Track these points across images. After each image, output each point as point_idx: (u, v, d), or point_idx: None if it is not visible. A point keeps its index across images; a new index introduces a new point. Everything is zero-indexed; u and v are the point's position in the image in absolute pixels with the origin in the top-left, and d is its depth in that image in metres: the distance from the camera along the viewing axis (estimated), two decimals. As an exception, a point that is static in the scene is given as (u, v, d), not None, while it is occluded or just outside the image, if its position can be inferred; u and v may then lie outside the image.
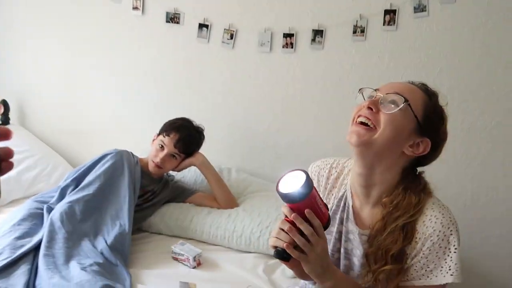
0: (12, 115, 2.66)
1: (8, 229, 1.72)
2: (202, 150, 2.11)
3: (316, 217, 0.95)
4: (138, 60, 2.43)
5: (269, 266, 1.79)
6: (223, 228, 1.92)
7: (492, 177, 1.93)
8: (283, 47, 2.12)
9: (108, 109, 2.55)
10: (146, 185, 2.01)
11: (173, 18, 2.28)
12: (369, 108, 1.02)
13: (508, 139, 1.88)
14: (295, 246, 0.94)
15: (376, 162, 1.04)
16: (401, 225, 1.02)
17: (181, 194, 2.10)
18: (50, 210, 1.84)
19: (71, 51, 2.54)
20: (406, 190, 1.04)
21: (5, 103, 2.54)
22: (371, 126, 1.02)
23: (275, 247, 0.96)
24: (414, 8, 1.88)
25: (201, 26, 2.24)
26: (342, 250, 1.16)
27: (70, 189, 1.93)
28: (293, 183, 0.93)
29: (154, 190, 2.04)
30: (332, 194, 1.20)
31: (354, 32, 1.99)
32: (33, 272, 1.54)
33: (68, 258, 1.61)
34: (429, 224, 1.02)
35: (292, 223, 0.94)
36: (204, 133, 2.11)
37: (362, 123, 1.03)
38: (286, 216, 0.96)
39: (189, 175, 2.23)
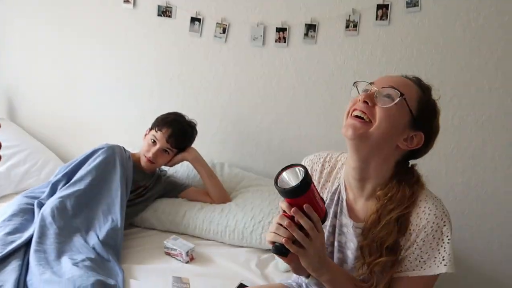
0: (1, 109, 2.62)
1: (-2, 225, 1.69)
2: (195, 145, 2.10)
3: (315, 212, 0.95)
4: (129, 54, 2.40)
5: (262, 261, 1.80)
6: (216, 223, 1.92)
7: (482, 171, 1.96)
8: (276, 41, 2.12)
9: (99, 103, 2.52)
10: (138, 180, 2.00)
11: (165, 12, 2.26)
12: (365, 102, 1.02)
13: (498, 133, 1.90)
14: (294, 241, 0.94)
15: (371, 155, 1.05)
16: (395, 218, 1.03)
17: (173, 189, 2.10)
18: (41, 205, 1.82)
19: (61, 45, 2.51)
20: (400, 183, 1.05)
21: (-7, 97, 2.52)
22: (367, 120, 1.02)
23: (273, 242, 0.96)
24: (407, 3, 1.89)
25: (193, 20, 2.22)
26: (336, 243, 1.17)
27: (61, 184, 1.91)
28: (292, 179, 0.93)
29: (146, 185, 2.03)
30: (326, 188, 1.21)
31: (347, 26, 1.99)
32: (24, 268, 1.53)
33: (59, 254, 1.60)
34: (422, 215, 1.03)
35: (291, 218, 0.94)
36: (197, 128, 2.10)
37: (357, 116, 1.03)
38: (284, 211, 0.96)
39: (181, 170, 2.22)
